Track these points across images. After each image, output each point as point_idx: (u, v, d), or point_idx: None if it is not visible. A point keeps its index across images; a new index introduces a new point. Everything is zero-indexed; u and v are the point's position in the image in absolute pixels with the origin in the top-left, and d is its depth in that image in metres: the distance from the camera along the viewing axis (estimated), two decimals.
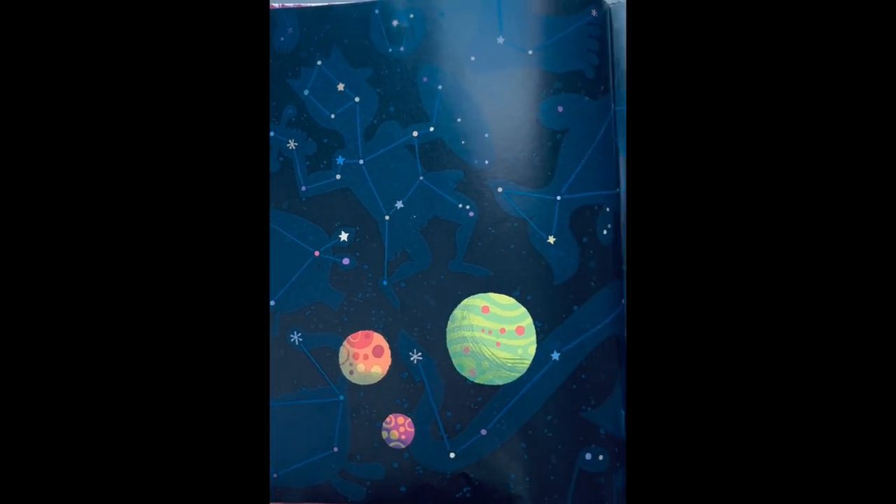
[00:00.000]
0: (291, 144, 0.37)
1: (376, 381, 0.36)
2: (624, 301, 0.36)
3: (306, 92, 0.37)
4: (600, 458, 0.34)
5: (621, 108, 0.37)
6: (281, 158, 0.37)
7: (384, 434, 0.35)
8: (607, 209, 0.36)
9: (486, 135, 0.35)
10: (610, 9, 0.37)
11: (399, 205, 0.36)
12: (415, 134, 0.36)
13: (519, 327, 0.34)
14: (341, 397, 0.36)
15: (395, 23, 0.37)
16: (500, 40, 0.35)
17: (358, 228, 0.36)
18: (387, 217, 0.36)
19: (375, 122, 0.36)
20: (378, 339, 0.36)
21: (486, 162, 0.35)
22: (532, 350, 0.34)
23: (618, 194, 0.36)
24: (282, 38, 0.38)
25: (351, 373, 0.36)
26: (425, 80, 0.36)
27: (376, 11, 0.37)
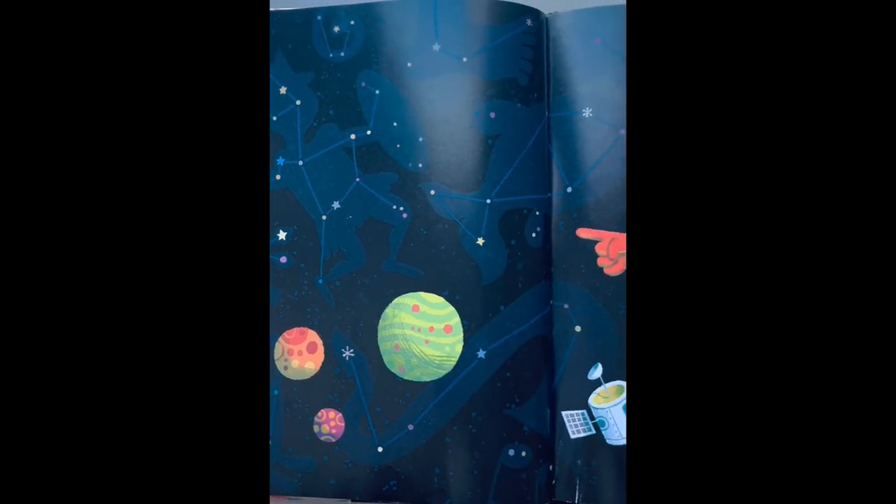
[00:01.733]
0: None
1: (309, 376, 0.37)
2: (552, 302, 0.37)
3: None
4: (523, 454, 0.35)
5: (556, 115, 0.38)
6: None
7: (315, 428, 0.36)
8: (537, 213, 0.37)
9: (421, 139, 0.36)
10: (547, 19, 0.38)
11: (336, 205, 0.37)
12: (352, 137, 0.37)
13: (447, 326, 0.36)
14: (276, 392, 0.37)
15: (336, 29, 0.38)
16: (436, 47, 0.37)
17: (296, 228, 0.37)
18: (324, 217, 0.37)
19: (315, 124, 0.38)
20: (312, 336, 0.37)
21: (420, 165, 0.36)
22: (459, 348, 0.35)
23: (549, 198, 0.37)
24: None
25: (285, 368, 0.37)
26: (364, 84, 0.37)
27: (319, 18, 0.38)
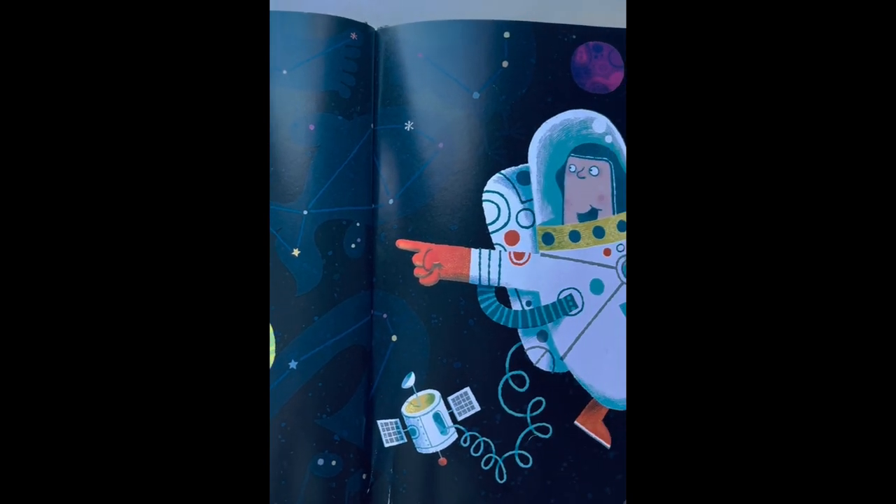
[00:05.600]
0: None
1: None
2: (373, 311, 0.37)
3: None
4: (333, 463, 0.35)
5: (382, 128, 0.38)
6: None
7: None
8: (357, 224, 0.37)
9: None
10: (377, 33, 0.39)
11: None
12: None
13: None
14: None
15: None
16: None
17: None
18: None
19: None
20: None
21: None
22: (271, 359, 0.36)
23: (373, 210, 0.38)
24: None
25: None
26: None
27: None
